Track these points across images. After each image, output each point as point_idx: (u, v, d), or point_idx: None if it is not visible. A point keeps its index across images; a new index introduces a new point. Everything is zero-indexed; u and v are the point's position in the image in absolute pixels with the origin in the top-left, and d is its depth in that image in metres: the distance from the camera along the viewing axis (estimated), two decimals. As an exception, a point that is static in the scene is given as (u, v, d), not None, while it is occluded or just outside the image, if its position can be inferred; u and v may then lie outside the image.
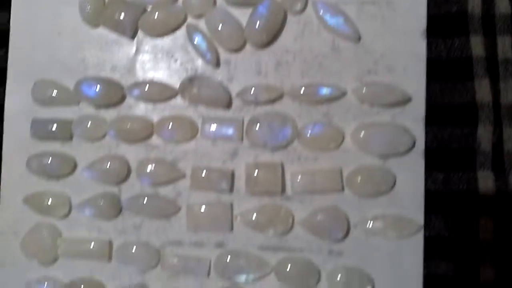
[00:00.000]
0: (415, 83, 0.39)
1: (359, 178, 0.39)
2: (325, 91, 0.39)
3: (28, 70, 0.42)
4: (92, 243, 0.41)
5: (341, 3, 0.39)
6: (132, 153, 0.41)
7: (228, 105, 0.40)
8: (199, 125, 0.40)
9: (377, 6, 0.39)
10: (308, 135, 0.39)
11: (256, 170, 0.39)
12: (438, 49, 0.39)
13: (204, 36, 0.40)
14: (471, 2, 0.39)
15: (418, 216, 0.38)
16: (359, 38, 0.39)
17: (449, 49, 0.39)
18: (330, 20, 0.39)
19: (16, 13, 0.43)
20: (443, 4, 0.39)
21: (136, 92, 0.41)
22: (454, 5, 0.39)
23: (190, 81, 0.40)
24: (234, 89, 0.40)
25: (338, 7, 0.39)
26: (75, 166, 0.42)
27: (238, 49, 0.40)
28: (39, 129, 0.42)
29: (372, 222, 0.39)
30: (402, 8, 0.39)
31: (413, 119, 0.39)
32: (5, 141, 0.43)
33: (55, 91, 0.41)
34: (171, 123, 0.40)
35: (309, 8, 0.40)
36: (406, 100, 0.38)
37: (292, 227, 0.40)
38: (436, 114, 0.39)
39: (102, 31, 0.42)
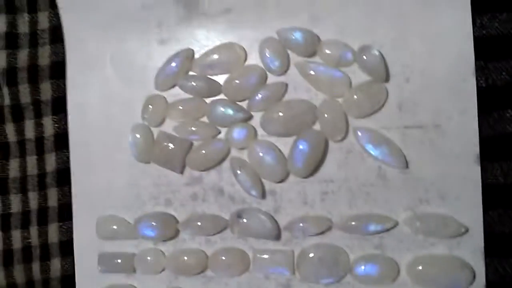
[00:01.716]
0: (471, 212, 0.36)
1: (419, 314, 0.36)
2: (373, 227, 0.37)
3: (91, 206, 0.44)
4: None
5: (383, 129, 0.38)
6: (189, 285, 0.42)
7: (277, 237, 0.40)
8: (251, 256, 0.40)
9: (423, 129, 0.37)
10: (361, 273, 0.37)
11: (311, 307, 0.38)
12: (494, 174, 0.36)
13: (247, 172, 0.40)
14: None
15: None
16: (406, 165, 0.37)
17: (506, 174, 0.35)
18: (374, 151, 0.37)
19: (74, 154, 0.45)
20: (497, 124, 0.36)
21: (189, 229, 0.41)
22: (509, 125, 0.35)
23: (238, 217, 0.40)
24: (282, 219, 0.40)
25: (380, 134, 0.37)
26: (140, 299, 0.44)
27: (282, 180, 0.40)
28: (106, 263, 0.44)
29: None
30: (452, 131, 0.36)
31: (472, 251, 0.36)
32: (78, 276, 0.44)
33: (115, 226, 0.43)
34: (223, 257, 0.41)
35: (351, 135, 0.38)
36: (462, 232, 0.36)
37: None
38: (496, 245, 0.36)
39: (153, 165, 0.43)
